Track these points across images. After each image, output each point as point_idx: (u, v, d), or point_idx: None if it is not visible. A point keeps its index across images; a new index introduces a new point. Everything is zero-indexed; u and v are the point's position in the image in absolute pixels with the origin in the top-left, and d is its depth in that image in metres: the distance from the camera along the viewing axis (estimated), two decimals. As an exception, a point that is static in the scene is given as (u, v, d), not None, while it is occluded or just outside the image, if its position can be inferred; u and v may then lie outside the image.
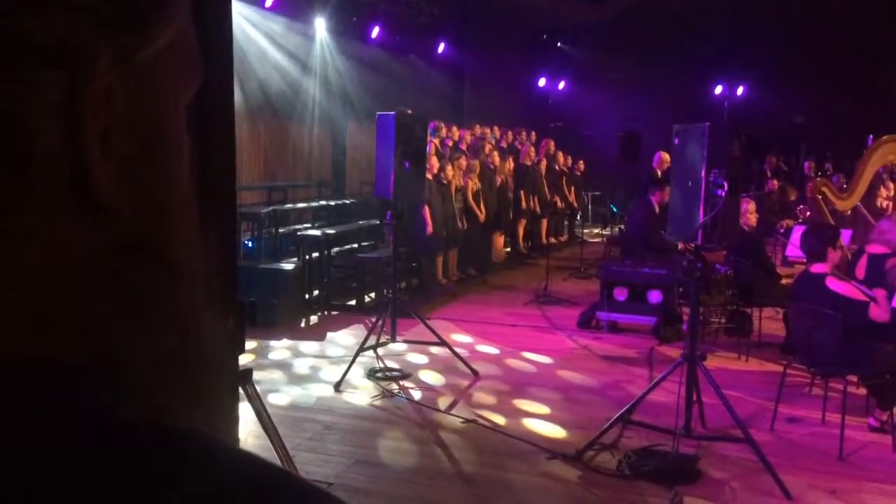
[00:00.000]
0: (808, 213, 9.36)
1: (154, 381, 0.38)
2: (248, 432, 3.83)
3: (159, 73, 0.38)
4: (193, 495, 0.34)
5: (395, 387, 5.58)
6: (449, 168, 9.31)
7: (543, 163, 12.48)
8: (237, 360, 2.83)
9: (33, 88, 0.33)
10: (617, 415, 4.50)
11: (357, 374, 5.73)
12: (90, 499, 0.31)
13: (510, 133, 13.32)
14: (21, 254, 0.34)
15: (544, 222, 12.80)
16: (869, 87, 15.70)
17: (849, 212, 8.92)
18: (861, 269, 5.39)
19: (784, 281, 6.66)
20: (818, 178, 10.00)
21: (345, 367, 5.64)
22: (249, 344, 5.90)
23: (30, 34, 0.33)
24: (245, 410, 3.21)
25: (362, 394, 5.44)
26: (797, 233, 7.38)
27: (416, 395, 5.44)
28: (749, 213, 6.88)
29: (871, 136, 9.26)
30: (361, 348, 5.78)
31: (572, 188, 13.88)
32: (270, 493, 0.36)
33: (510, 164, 11.33)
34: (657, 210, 7.81)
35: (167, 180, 0.40)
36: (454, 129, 11.39)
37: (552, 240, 13.05)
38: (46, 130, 0.34)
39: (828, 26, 16.38)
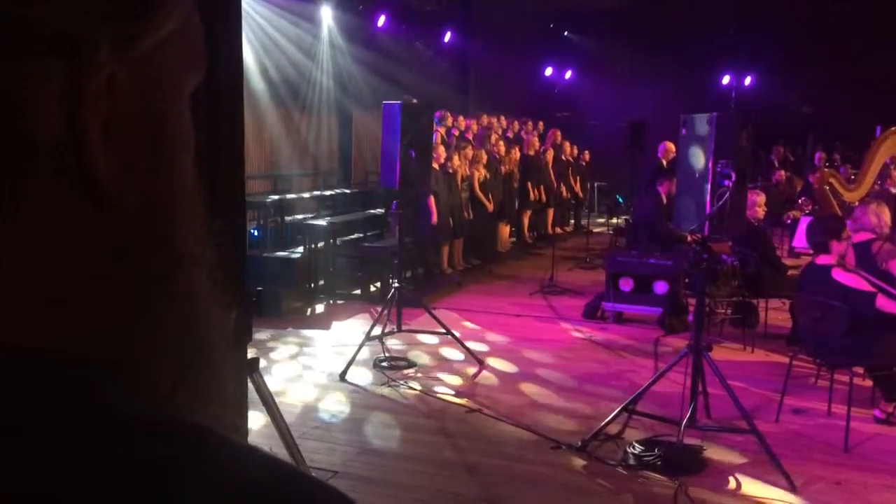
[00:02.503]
0: (809, 207, 9.33)
1: (157, 371, 0.38)
2: (256, 421, 3.85)
3: (162, 62, 0.38)
4: (191, 488, 0.33)
5: (400, 376, 5.59)
6: (455, 157, 9.30)
7: (550, 152, 12.45)
8: (245, 349, 2.84)
9: (34, 77, 0.33)
10: (622, 405, 4.50)
11: (362, 364, 5.74)
12: (92, 493, 0.31)
13: (516, 123, 13.29)
14: (23, 244, 0.34)
15: (550, 212, 12.78)
16: (878, 77, 15.59)
17: (857, 203, 8.87)
18: (850, 261, 5.37)
19: (790, 272, 6.64)
20: (826, 170, 9.94)
21: (350, 356, 5.65)
22: (255, 333, 5.92)
23: (30, 22, 0.32)
24: (252, 399, 3.22)
25: (368, 383, 5.45)
26: (803, 224, 7.36)
27: (422, 384, 5.45)
28: (758, 205, 6.85)
29: (880, 126, 9.20)
30: (367, 337, 5.79)
31: (578, 178, 13.86)
32: (269, 487, 0.36)
33: (516, 154, 11.31)
34: (665, 200, 7.79)
35: (171, 170, 0.40)
36: (460, 118, 11.36)
37: (558, 230, 13.04)
38: (49, 119, 0.33)
39: (836, 16, 16.26)
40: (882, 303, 4.58)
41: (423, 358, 6.08)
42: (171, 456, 0.34)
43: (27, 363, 0.34)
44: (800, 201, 10.20)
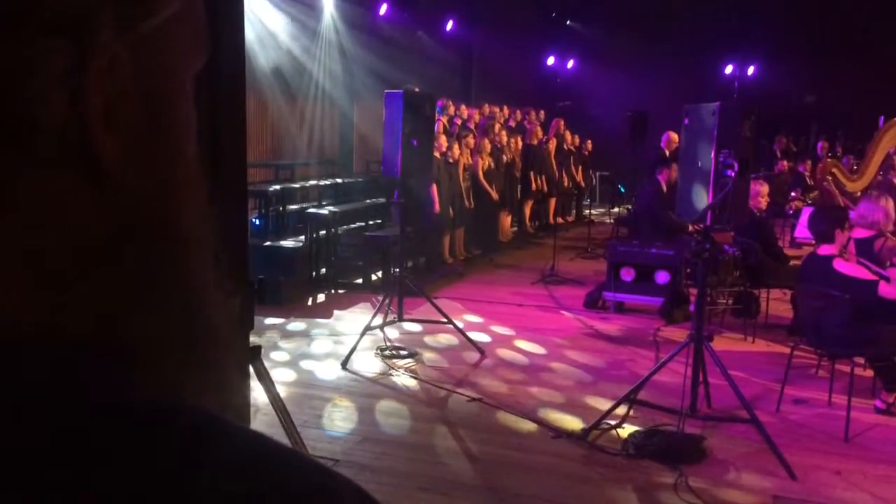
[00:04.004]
0: (800, 203, 9.34)
1: (161, 357, 0.38)
2: (257, 409, 3.86)
3: (165, 44, 0.38)
4: (199, 475, 0.33)
5: (401, 365, 5.61)
6: (456, 146, 9.28)
7: (553, 142, 12.43)
8: (247, 337, 2.85)
9: (37, 56, 0.32)
10: (623, 395, 4.51)
11: (364, 353, 5.75)
12: (90, 478, 0.31)
13: (518, 112, 13.26)
14: (26, 226, 0.34)
15: (552, 202, 12.77)
16: (881, 67, 15.53)
17: (859, 193, 8.87)
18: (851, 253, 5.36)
19: (792, 263, 6.64)
20: (828, 160, 9.93)
21: (352, 345, 5.66)
22: (257, 321, 5.93)
23: (33, 1, 0.32)
24: (254, 387, 3.23)
25: (369, 372, 5.47)
26: (805, 214, 7.35)
27: (423, 373, 5.46)
28: (761, 196, 6.83)
29: (883, 117, 9.19)
30: (368, 327, 5.80)
31: (579, 168, 13.84)
32: (278, 473, 0.36)
33: (517, 143, 11.29)
34: (665, 189, 7.80)
35: (174, 154, 0.39)
36: (462, 107, 11.33)
37: (559, 220, 13.04)
38: (52, 100, 0.33)
39: (840, 5, 16.18)
40: (884, 290, 4.58)
41: (424, 347, 6.09)
42: (171, 438, 0.34)
43: (26, 345, 0.34)
44: (793, 194, 10.18)
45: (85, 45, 0.33)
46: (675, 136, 9.11)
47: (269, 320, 6.68)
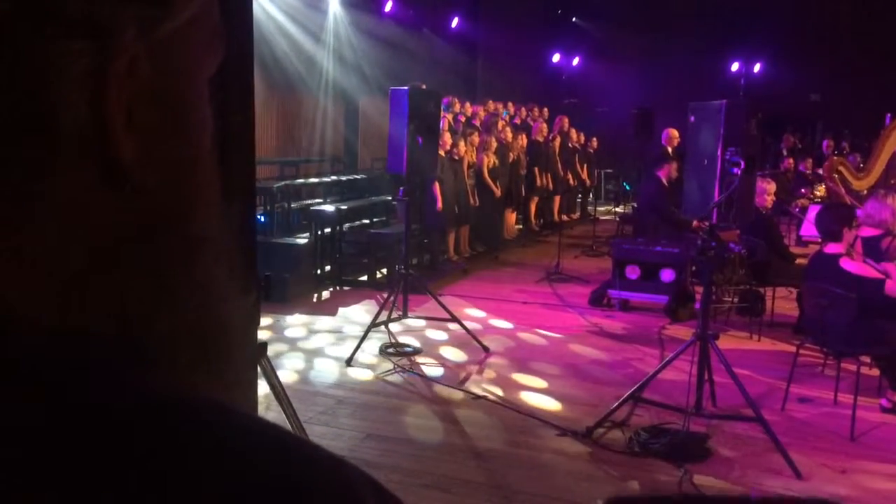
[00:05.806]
0: (806, 201, 9.32)
1: (177, 354, 0.38)
2: (263, 406, 3.87)
3: (183, 45, 0.38)
4: (214, 465, 0.34)
5: (406, 362, 5.61)
6: (461, 144, 9.27)
7: (557, 140, 12.41)
8: (255, 333, 2.86)
9: (60, 58, 0.33)
10: (628, 392, 4.51)
11: (369, 350, 5.76)
12: (108, 470, 0.32)
13: (523, 109, 13.25)
14: (47, 224, 0.34)
15: (557, 199, 12.76)
16: (888, 65, 15.47)
17: (865, 192, 8.83)
18: (858, 252, 5.36)
19: (798, 261, 6.63)
20: (834, 158, 9.89)
21: (356, 342, 5.67)
22: (262, 318, 5.93)
23: (55, 4, 0.32)
24: (260, 384, 3.24)
25: (374, 369, 5.47)
26: (812, 212, 7.33)
27: (428, 370, 5.47)
28: (767, 193, 6.82)
29: (889, 115, 9.15)
30: (373, 324, 5.81)
31: (585, 165, 13.81)
32: (293, 462, 0.36)
33: (522, 141, 11.27)
34: (666, 185, 7.80)
35: (190, 154, 0.40)
36: (467, 104, 11.33)
37: (564, 217, 13.02)
38: (73, 102, 0.34)
39: (846, 3, 16.12)
40: (891, 287, 4.58)
41: (428, 344, 6.10)
42: (187, 431, 0.34)
43: (46, 340, 0.34)
44: (802, 190, 10.15)
45: (107, 47, 0.34)
46: (675, 133, 9.10)
47: (275, 317, 6.69)
